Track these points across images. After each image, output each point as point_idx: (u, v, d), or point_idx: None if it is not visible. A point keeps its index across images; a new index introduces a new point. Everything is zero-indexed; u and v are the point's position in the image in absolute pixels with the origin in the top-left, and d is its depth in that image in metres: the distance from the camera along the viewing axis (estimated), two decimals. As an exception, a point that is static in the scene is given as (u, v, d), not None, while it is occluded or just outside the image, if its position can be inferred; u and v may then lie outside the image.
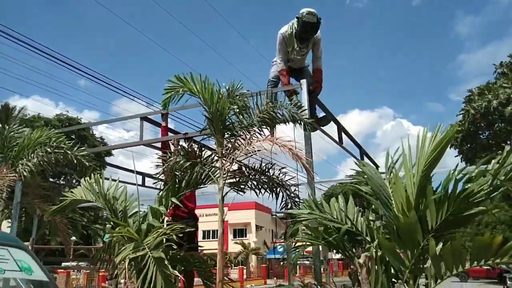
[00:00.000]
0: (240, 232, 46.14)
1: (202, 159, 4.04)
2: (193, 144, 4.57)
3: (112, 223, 4.31)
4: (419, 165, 3.07)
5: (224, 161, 3.80)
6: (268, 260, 39.85)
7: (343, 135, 5.53)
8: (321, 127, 4.84)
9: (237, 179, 3.97)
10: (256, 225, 46.39)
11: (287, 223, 3.67)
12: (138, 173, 7.42)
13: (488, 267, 31.05)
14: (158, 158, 4.44)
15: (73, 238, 24.38)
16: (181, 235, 4.07)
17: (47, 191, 5.65)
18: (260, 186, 4.09)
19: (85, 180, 4.26)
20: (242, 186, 4.08)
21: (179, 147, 4.30)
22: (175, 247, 3.74)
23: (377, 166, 7.05)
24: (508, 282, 21.59)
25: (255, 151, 3.58)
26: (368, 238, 3.21)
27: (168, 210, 4.28)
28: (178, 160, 3.96)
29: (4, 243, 2.07)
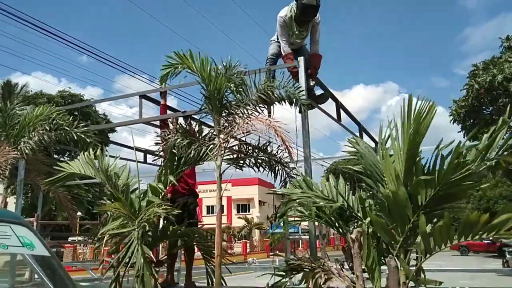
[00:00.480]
0: (243, 207, 46.73)
1: (200, 136, 4.10)
2: (192, 122, 4.63)
3: (112, 199, 4.43)
4: (405, 141, 3.08)
5: (221, 139, 3.86)
6: (271, 234, 40.50)
7: (343, 112, 5.55)
8: (319, 105, 4.86)
9: (236, 156, 4.04)
10: (259, 201, 46.94)
11: (281, 200, 3.75)
12: (140, 150, 7.52)
13: (489, 241, 31.51)
14: (157, 136, 4.50)
15: (79, 213, 24.84)
16: (180, 210, 4.20)
17: (51, 167, 5.75)
18: (259, 164, 4.16)
19: (84, 154, 4.34)
20: (241, 164, 4.15)
21: (178, 125, 4.35)
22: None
23: (376, 143, 7.11)
24: (508, 256, 21.91)
25: (250, 130, 3.64)
26: (360, 215, 3.30)
27: (169, 187, 4.38)
28: (176, 138, 4.02)
29: (6, 220, 2.15)
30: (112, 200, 4.39)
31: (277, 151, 4.24)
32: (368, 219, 3.22)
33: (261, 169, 4.24)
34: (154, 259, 3.29)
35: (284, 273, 3.53)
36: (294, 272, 3.53)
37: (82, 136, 4.92)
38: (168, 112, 5.16)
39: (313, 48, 5.04)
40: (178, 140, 3.97)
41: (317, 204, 3.28)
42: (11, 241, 2.06)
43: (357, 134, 6.32)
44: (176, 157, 4.23)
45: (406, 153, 3.04)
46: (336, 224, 3.38)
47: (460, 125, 22.93)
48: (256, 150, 4.18)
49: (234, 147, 4.04)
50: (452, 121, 22.83)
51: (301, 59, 4.30)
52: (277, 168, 4.21)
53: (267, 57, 5.16)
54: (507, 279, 12.85)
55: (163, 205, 3.50)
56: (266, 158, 4.17)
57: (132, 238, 3.18)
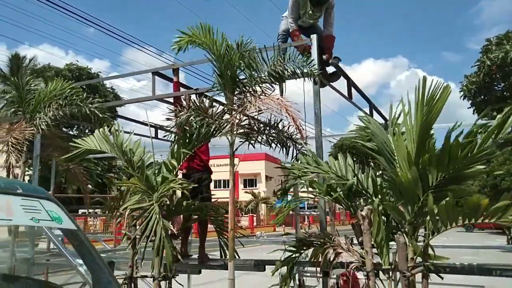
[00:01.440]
0: (250, 182, 47.19)
1: (213, 113, 4.16)
2: (204, 99, 4.67)
3: (128, 174, 4.54)
4: (417, 121, 3.10)
5: (234, 116, 3.92)
6: (277, 208, 41.09)
7: (353, 89, 5.55)
8: (331, 83, 4.87)
9: (248, 133, 4.10)
10: (266, 176, 47.32)
11: (289, 175, 3.83)
12: (151, 126, 7.60)
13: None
14: (170, 112, 4.56)
15: (89, 186, 25.29)
16: (196, 185, 4.31)
17: (65, 142, 5.88)
18: (270, 140, 4.22)
19: (99, 131, 4.43)
20: (253, 141, 4.21)
21: (191, 102, 4.41)
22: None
23: (386, 120, 7.12)
24: (512, 233, 22.08)
25: (262, 109, 3.68)
26: (371, 193, 3.37)
27: (183, 163, 4.49)
28: (189, 114, 4.08)
29: (36, 195, 2.26)
30: (127, 175, 4.51)
31: (288, 128, 4.29)
32: (379, 197, 3.30)
33: (271, 145, 4.30)
34: (175, 232, 3.42)
35: (294, 249, 3.65)
36: (304, 248, 3.65)
37: (96, 111, 5.00)
38: (181, 89, 5.20)
39: (330, 29, 4.99)
40: (191, 117, 4.03)
41: (329, 181, 3.35)
42: (41, 215, 2.17)
43: (367, 111, 6.33)
44: (188, 134, 4.31)
45: (418, 133, 3.08)
46: (346, 201, 3.46)
47: (470, 101, 22.72)
48: (268, 127, 4.23)
49: (246, 125, 4.09)
50: (463, 97, 22.61)
51: (313, 36, 4.29)
52: (288, 144, 4.27)
53: (278, 33, 5.14)
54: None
55: (178, 181, 3.60)
56: (276, 135, 4.23)
57: (151, 212, 3.30)
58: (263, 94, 4.02)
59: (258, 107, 3.67)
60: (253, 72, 3.99)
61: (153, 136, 7.52)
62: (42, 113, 4.90)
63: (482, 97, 22.68)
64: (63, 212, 2.38)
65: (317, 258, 3.57)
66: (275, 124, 4.24)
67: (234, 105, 4.04)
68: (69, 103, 5.04)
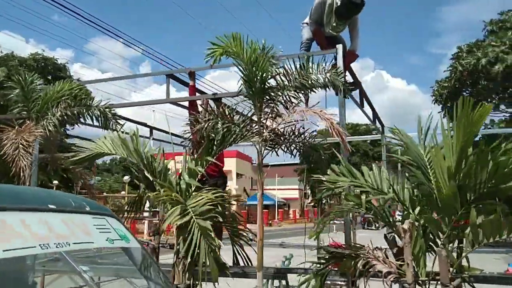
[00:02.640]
0: (221, 179, 46.93)
1: (238, 120, 4.09)
2: (223, 105, 4.59)
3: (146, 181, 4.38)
4: (458, 136, 3.18)
5: (262, 125, 3.88)
6: (247, 206, 41.10)
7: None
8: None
9: (274, 141, 4.06)
10: (237, 173, 47.28)
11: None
12: (147, 126, 7.40)
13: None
14: (189, 117, 4.46)
15: (55, 182, 24.28)
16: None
17: (62, 141, 5.63)
18: (292, 148, 4.21)
19: (113, 134, 4.28)
20: (276, 149, 4.18)
21: (211, 108, 4.32)
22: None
23: (382, 126, 7.26)
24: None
25: (296, 120, 3.66)
26: (408, 206, 3.42)
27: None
28: (212, 119, 4.00)
29: (101, 213, 2.14)
30: (145, 181, 4.36)
31: (310, 136, 4.30)
32: (417, 209, 3.35)
33: (293, 153, 4.29)
34: (220, 245, 3.33)
35: (324, 261, 3.66)
36: (333, 260, 3.66)
37: (106, 111, 4.80)
38: (197, 94, 5.09)
39: (352, 44, 4.98)
40: (219, 124, 3.95)
41: (369, 195, 3.37)
42: (112, 234, 2.06)
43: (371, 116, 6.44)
44: (211, 140, 4.23)
45: (458, 150, 3.15)
46: (382, 214, 3.50)
47: (441, 105, 23.57)
48: (292, 136, 4.21)
49: (273, 133, 4.05)
50: (434, 101, 23.42)
51: (339, 47, 4.30)
52: (311, 154, 4.28)
53: (302, 42, 5.11)
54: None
55: (212, 190, 3.52)
56: (302, 144, 4.22)
57: (193, 226, 3.20)
58: (290, 103, 4.00)
59: (295, 117, 3.63)
60: (282, 79, 3.95)
61: (147, 136, 7.33)
62: (49, 113, 4.65)
63: (450, 102, 23.55)
64: (126, 229, 2.27)
65: (347, 269, 3.60)
66: (299, 134, 4.23)
67: (261, 113, 4.00)
68: (78, 103, 4.82)
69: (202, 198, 3.40)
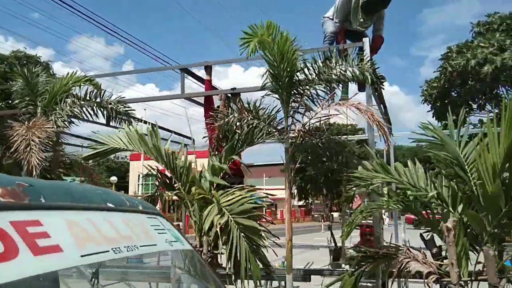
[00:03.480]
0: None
1: (264, 116, 3.91)
2: (241, 101, 4.40)
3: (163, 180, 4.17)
4: (506, 138, 3.08)
5: (292, 121, 3.71)
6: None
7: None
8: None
9: (301, 138, 3.89)
10: (224, 172, 46.93)
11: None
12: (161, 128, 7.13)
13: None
14: (210, 112, 4.26)
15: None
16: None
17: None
18: (319, 144, 4.05)
19: (130, 128, 4.06)
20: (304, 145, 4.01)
21: (236, 104, 4.13)
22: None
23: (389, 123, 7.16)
24: None
25: (330, 115, 3.50)
26: (449, 205, 3.30)
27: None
28: (240, 117, 3.81)
29: (153, 212, 1.93)
30: (163, 182, 4.15)
31: (336, 131, 4.14)
32: (458, 208, 3.24)
33: (320, 150, 4.12)
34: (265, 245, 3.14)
35: (360, 263, 3.50)
36: (369, 260, 3.52)
37: (119, 106, 4.55)
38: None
39: (378, 32, 4.88)
40: (246, 120, 3.76)
41: (410, 193, 3.23)
42: (168, 236, 1.86)
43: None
44: (229, 137, 4.04)
45: (506, 148, 3.03)
46: (421, 212, 3.37)
47: (430, 105, 23.80)
48: (318, 131, 4.06)
49: (302, 129, 3.88)
50: (423, 101, 23.64)
51: (366, 40, 4.16)
52: (336, 149, 4.12)
53: (325, 35, 4.96)
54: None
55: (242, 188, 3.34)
56: (326, 139, 4.06)
57: (232, 227, 3.01)
58: (318, 98, 3.85)
59: (323, 113, 3.47)
60: (312, 75, 3.79)
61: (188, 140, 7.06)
62: (58, 108, 4.37)
63: (439, 102, 23.82)
64: (176, 229, 2.06)
65: (385, 270, 3.46)
66: (327, 128, 4.07)
67: (288, 108, 3.83)
68: (88, 97, 4.56)
69: (236, 196, 3.21)
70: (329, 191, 6.62)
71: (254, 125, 3.88)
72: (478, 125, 23.39)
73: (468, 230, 3.26)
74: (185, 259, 2.04)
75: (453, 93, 23.68)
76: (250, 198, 3.25)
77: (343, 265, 4.14)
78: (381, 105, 5.66)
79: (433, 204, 3.33)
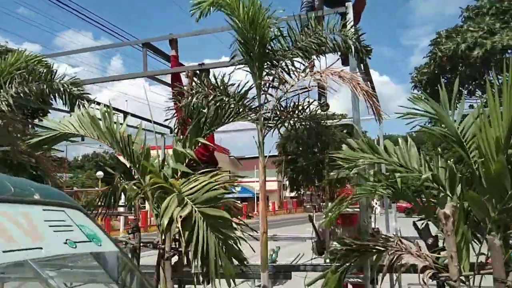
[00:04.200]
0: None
1: (234, 94, 3.42)
2: (210, 78, 3.89)
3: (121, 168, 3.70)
4: (509, 102, 2.64)
5: (267, 98, 3.22)
6: (225, 199, 40.43)
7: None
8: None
9: (277, 117, 3.41)
10: (214, 165, 46.50)
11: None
12: (119, 110, 6.60)
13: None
14: (173, 90, 3.76)
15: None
16: None
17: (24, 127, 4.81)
18: (298, 125, 3.57)
19: (81, 111, 3.54)
20: (279, 126, 3.53)
21: (201, 79, 3.63)
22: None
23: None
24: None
25: (309, 87, 3.01)
26: (446, 188, 2.84)
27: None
28: (201, 92, 3.31)
29: (58, 202, 1.44)
30: (119, 169, 3.67)
31: (316, 111, 3.67)
32: (457, 192, 2.78)
33: (298, 130, 3.65)
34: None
35: (344, 257, 3.04)
36: (355, 254, 3.05)
37: (73, 88, 4.02)
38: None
39: None
40: (213, 97, 3.26)
41: (399, 175, 2.76)
42: (74, 234, 1.37)
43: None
44: (201, 117, 3.54)
45: (510, 120, 2.58)
46: (414, 197, 2.91)
47: (420, 91, 23.47)
48: (297, 110, 3.58)
49: (277, 106, 3.40)
50: (413, 88, 23.31)
51: (349, 4, 3.67)
52: (317, 128, 3.65)
53: (302, 2, 4.45)
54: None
55: (219, 182, 2.85)
56: (305, 118, 3.59)
57: (197, 221, 2.52)
58: (295, 69, 3.36)
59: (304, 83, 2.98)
60: (287, 44, 3.29)
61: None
62: (2, 90, 3.84)
63: (430, 88, 23.52)
64: (95, 225, 1.58)
65: (374, 264, 3.02)
66: (306, 106, 3.59)
67: (261, 82, 3.34)
68: (37, 78, 4.02)
69: (200, 183, 2.72)
70: (320, 182, 6.22)
71: (222, 103, 3.39)
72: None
73: (469, 217, 2.80)
74: (105, 262, 1.56)
75: (443, 79, 23.38)
76: (216, 183, 2.75)
77: (327, 260, 3.67)
78: (368, 83, 5.18)
79: (428, 187, 2.86)
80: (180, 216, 2.48)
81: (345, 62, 4.17)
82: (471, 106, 23.78)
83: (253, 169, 44.65)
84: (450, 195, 2.78)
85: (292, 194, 50.06)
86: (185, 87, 3.64)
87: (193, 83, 3.64)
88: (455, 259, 2.59)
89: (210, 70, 3.98)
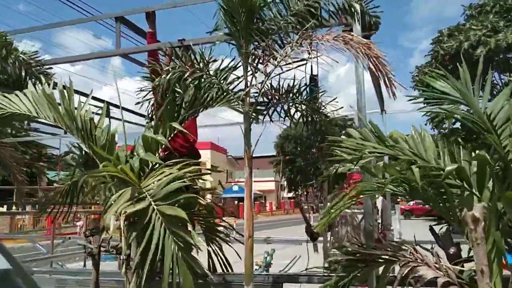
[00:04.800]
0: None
1: (217, 71, 2.88)
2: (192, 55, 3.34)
3: (84, 156, 3.16)
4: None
5: (254, 76, 2.68)
6: (223, 199, 39.93)
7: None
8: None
9: (267, 101, 2.87)
10: (212, 165, 46.02)
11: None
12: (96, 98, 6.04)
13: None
14: (148, 65, 3.22)
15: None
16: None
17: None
18: (293, 112, 3.04)
19: (36, 88, 3.00)
20: (269, 111, 3.00)
21: (174, 58, 3.09)
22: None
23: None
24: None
25: (306, 59, 2.47)
26: (472, 184, 2.30)
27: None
28: (183, 70, 2.77)
29: None
30: (83, 159, 3.14)
31: (316, 97, 3.14)
32: (487, 190, 2.25)
33: (293, 118, 3.12)
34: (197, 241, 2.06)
35: (347, 268, 2.50)
36: (361, 264, 2.51)
37: (32, 63, 3.48)
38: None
39: None
40: (187, 74, 2.72)
41: (420, 164, 2.21)
42: None
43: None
44: (177, 99, 3.01)
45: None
46: (433, 197, 2.37)
47: (421, 91, 23.00)
48: (290, 93, 3.04)
49: (265, 87, 2.86)
50: (414, 87, 22.80)
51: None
52: (315, 116, 3.11)
53: None
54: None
55: (179, 166, 2.30)
56: (305, 104, 3.05)
57: (154, 219, 1.98)
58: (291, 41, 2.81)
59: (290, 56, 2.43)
60: (279, 10, 2.75)
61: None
62: None
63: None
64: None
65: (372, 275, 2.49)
66: (301, 90, 3.06)
67: (248, 58, 2.80)
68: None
69: (165, 176, 2.18)
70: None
71: (203, 83, 2.85)
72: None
73: (502, 221, 2.27)
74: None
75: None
76: (185, 177, 2.21)
77: (326, 264, 3.14)
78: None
79: (449, 184, 2.32)
80: (125, 212, 1.93)
81: None
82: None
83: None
84: (478, 194, 2.24)
85: (290, 195, 49.63)
86: (162, 65, 3.09)
87: (169, 59, 3.09)
88: (486, 274, 2.06)
89: (193, 48, 3.43)
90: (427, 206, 2.53)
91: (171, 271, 1.91)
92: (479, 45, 19.13)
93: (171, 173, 2.18)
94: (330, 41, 2.30)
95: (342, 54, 2.66)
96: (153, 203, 2.03)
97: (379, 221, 3.44)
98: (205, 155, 44.58)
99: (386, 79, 2.44)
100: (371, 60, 2.27)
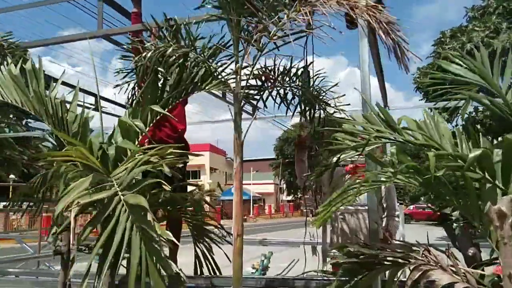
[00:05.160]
0: (193, 174, 45.16)
1: (204, 48, 2.57)
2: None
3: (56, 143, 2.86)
4: None
5: (245, 49, 2.37)
6: (222, 201, 39.59)
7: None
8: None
9: (260, 83, 2.56)
10: (211, 167, 45.82)
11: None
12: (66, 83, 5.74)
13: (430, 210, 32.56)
14: (131, 43, 2.92)
15: (12, 176, 22.01)
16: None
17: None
18: (291, 96, 2.73)
19: (1, 68, 2.70)
20: (262, 94, 2.69)
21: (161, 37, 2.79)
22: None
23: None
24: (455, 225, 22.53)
25: (305, 32, 2.15)
26: (497, 177, 1.98)
27: (148, 131, 2.83)
28: (166, 46, 2.47)
29: None
30: (58, 145, 2.84)
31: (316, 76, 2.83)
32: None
33: (291, 104, 2.81)
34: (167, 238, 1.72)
35: (349, 271, 2.19)
36: (366, 268, 2.19)
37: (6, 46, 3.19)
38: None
39: None
40: (170, 50, 2.42)
41: (437, 152, 1.88)
42: None
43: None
44: (160, 80, 2.70)
45: None
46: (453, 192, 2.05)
47: (422, 93, 22.77)
48: (286, 76, 2.73)
49: (256, 69, 2.55)
50: (415, 89, 22.58)
51: None
52: (314, 102, 2.81)
53: None
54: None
55: (151, 153, 1.97)
56: (299, 88, 2.75)
57: (119, 210, 1.66)
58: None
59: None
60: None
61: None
62: None
63: (433, 89, 22.81)
64: None
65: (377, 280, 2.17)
66: (298, 72, 2.75)
67: (239, 34, 2.49)
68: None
69: (135, 161, 1.86)
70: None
71: (188, 61, 2.54)
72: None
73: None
74: None
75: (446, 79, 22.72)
76: (153, 162, 1.89)
77: (325, 268, 2.83)
78: (377, 58, 4.31)
79: (471, 176, 2.00)
80: (78, 202, 1.61)
81: (350, 24, 3.33)
82: (476, 109, 23.01)
83: (250, 172, 43.91)
84: (503, 187, 1.92)
85: (289, 198, 49.23)
86: (144, 45, 2.79)
87: (154, 38, 2.79)
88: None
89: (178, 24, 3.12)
90: (428, 210, 2.24)
91: (138, 272, 1.59)
92: (483, 46, 18.92)
93: (142, 159, 1.86)
94: (333, 6, 1.99)
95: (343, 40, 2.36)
96: (120, 192, 1.71)
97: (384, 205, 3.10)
98: (204, 157, 44.28)
99: (398, 48, 2.13)
100: (381, 25, 1.95)
